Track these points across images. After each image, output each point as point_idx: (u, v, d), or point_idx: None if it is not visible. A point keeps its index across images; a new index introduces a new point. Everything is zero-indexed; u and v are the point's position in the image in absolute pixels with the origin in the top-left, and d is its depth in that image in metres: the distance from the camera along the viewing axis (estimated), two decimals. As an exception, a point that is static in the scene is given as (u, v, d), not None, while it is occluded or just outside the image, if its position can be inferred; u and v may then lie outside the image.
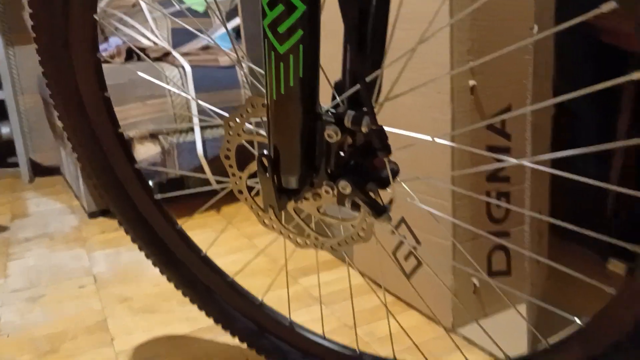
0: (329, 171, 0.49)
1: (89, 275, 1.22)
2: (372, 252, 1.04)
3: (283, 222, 0.59)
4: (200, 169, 1.48)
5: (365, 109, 0.46)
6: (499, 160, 0.83)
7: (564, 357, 0.52)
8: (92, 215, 1.59)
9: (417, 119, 0.86)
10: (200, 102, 0.65)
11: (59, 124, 1.67)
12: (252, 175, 0.56)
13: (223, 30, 1.61)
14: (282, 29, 0.39)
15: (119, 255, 1.32)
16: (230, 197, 0.70)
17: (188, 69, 1.35)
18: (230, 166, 0.58)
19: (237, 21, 1.61)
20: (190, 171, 1.46)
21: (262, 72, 0.45)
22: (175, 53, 1.38)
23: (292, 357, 0.72)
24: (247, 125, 0.54)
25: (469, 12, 0.78)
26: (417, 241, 0.93)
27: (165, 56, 1.41)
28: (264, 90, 0.46)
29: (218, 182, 0.65)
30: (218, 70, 1.41)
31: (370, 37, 0.49)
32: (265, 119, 0.48)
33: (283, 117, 0.45)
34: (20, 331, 0.99)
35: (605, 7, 0.36)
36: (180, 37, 1.61)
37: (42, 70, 0.67)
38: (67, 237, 1.47)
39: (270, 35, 0.40)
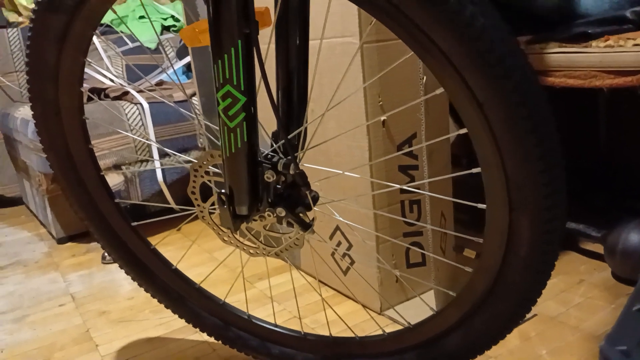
0: (269, 200, 0.69)
1: (67, 295, 1.37)
2: (313, 256, 1.25)
3: (239, 238, 0.78)
4: (159, 194, 1.64)
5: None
6: (409, 180, 1.06)
7: (446, 318, 0.74)
8: (61, 241, 1.73)
9: (345, 150, 1.07)
10: (166, 149, 0.84)
11: (22, 159, 1.80)
12: (212, 204, 0.76)
13: (177, 66, 1.79)
14: (231, 112, 0.59)
15: (92, 276, 1.47)
16: (189, 217, 0.88)
17: (146, 105, 1.52)
18: (196, 199, 0.77)
19: (188, 58, 1.79)
20: (150, 196, 1.63)
21: (212, 125, 0.65)
22: (133, 92, 1.55)
23: (251, 343, 0.92)
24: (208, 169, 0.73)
25: (377, 60, 0.99)
26: (350, 244, 1.13)
27: (124, 95, 1.57)
28: (219, 144, 0.66)
29: (183, 208, 0.83)
30: (172, 104, 1.58)
31: (295, 102, 0.70)
32: (221, 167, 0.67)
33: (234, 167, 0.64)
34: (13, 347, 1.13)
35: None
36: (134, 73, 1.77)
37: (36, 130, 0.84)
38: (40, 262, 1.60)
39: (223, 116, 0.59)
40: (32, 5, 2.32)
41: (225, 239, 0.79)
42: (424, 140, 0.97)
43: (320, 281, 1.26)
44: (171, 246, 1.61)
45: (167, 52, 1.96)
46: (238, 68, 0.56)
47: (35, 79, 0.77)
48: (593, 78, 1.03)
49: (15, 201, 2.23)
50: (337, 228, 1.15)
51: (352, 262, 1.15)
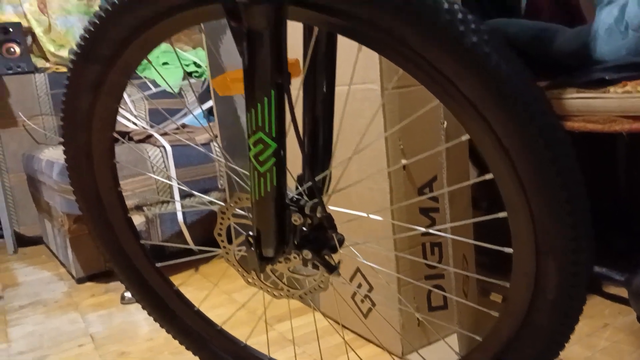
0: (295, 243, 0.70)
1: (86, 335, 1.37)
2: (335, 298, 1.24)
3: (263, 280, 0.79)
4: (179, 235, 1.66)
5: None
6: (430, 222, 1.06)
7: (470, 364, 0.73)
8: (80, 280, 1.74)
9: (366, 192, 1.08)
10: (192, 190, 0.85)
11: (46, 199, 1.83)
12: (237, 246, 0.77)
13: (198, 110, 1.83)
14: (262, 158, 0.61)
15: (111, 316, 1.47)
16: (207, 258, 0.89)
17: (169, 148, 1.55)
18: (222, 240, 0.78)
19: (210, 103, 1.84)
20: (170, 236, 1.64)
21: (237, 168, 0.67)
22: (157, 135, 1.59)
23: (273, 386, 0.91)
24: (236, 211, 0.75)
25: (398, 105, 1.02)
26: (370, 286, 1.13)
27: (147, 138, 1.61)
28: (247, 187, 0.67)
29: (202, 249, 0.85)
30: (194, 147, 1.62)
31: (321, 147, 0.72)
32: (249, 210, 0.68)
33: (263, 210, 0.65)
34: (33, 389, 1.13)
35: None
36: (157, 117, 1.82)
37: (68, 174, 0.86)
38: (60, 302, 1.61)
39: (254, 161, 0.61)
40: (60, 52, 2.41)
41: (250, 280, 0.80)
42: (446, 186, 0.98)
43: (340, 324, 1.25)
44: (190, 287, 1.61)
45: (189, 97, 2.01)
46: (270, 116, 0.58)
47: (70, 124, 0.80)
48: (612, 123, 1.05)
49: (36, 241, 2.26)
50: (358, 270, 1.15)
51: (373, 305, 1.14)
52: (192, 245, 1.61)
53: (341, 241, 0.70)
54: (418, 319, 1.09)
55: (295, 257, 0.71)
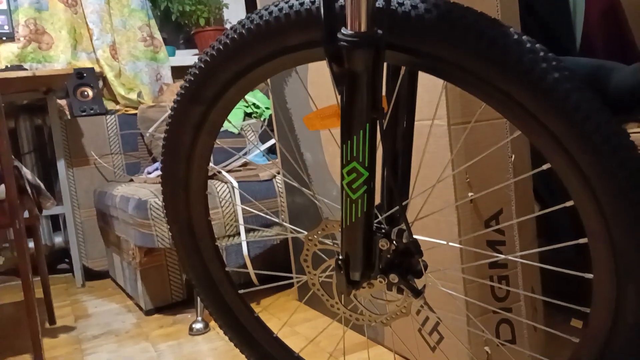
0: (380, 267, 0.75)
1: (158, 364, 1.43)
2: (401, 331, 1.27)
3: (344, 306, 0.83)
4: (242, 267, 1.72)
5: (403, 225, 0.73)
6: (497, 253, 1.09)
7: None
8: (149, 312, 1.82)
9: (432, 223, 1.13)
10: (292, 227, 0.91)
11: (117, 233, 1.92)
12: (322, 272, 0.82)
13: (261, 148, 1.93)
14: (354, 186, 0.66)
15: (180, 346, 1.53)
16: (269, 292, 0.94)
17: (235, 184, 1.64)
18: (308, 266, 0.84)
19: (270, 142, 1.94)
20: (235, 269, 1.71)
21: (316, 196, 0.72)
22: (224, 172, 1.68)
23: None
24: (321, 239, 0.80)
25: (464, 140, 1.07)
26: (438, 320, 1.16)
27: (214, 175, 1.71)
28: (334, 216, 0.73)
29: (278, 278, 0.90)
30: (258, 183, 1.70)
31: (400, 177, 0.77)
32: (338, 236, 0.74)
33: (353, 235, 0.71)
34: (113, 412, 1.19)
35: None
36: (220, 155, 1.93)
37: (163, 204, 0.94)
38: (130, 332, 1.69)
39: (347, 189, 0.67)
40: (129, 95, 2.57)
41: (333, 305, 0.84)
42: (515, 217, 1.01)
43: (405, 358, 1.27)
44: (253, 319, 1.66)
45: (249, 136, 2.12)
46: (364, 147, 0.64)
47: (170, 159, 0.88)
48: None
49: (102, 275, 2.37)
50: (425, 303, 1.18)
51: (441, 339, 1.16)
52: (253, 278, 1.66)
53: (426, 266, 0.74)
54: (487, 352, 1.11)
55: (380, 282, 0.75)
